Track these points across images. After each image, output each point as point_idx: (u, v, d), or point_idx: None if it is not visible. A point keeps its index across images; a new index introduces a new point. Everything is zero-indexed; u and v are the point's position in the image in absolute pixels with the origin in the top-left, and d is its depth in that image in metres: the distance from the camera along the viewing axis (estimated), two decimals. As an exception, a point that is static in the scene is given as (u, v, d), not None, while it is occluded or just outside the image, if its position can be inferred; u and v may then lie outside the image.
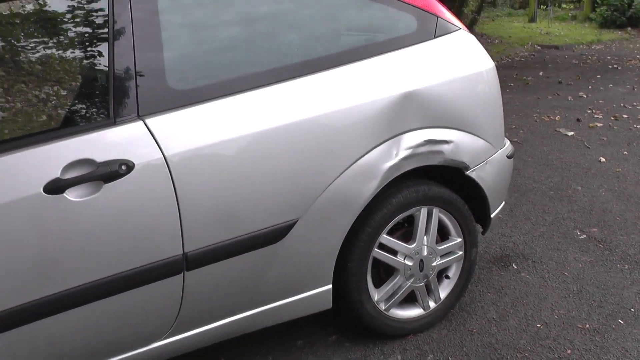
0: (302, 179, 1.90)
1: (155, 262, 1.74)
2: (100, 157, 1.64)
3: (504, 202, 2.60)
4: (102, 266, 1.68)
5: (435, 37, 2.17)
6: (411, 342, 2.36)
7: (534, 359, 2.22)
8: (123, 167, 1.65)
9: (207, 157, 1.75)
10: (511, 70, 9.83)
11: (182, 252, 1.77)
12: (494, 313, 2.54)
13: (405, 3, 2.12)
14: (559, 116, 6.20)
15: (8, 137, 1.72)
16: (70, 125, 1.74)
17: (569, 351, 2.26)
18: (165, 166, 1.70)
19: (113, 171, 1.64)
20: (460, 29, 2.27)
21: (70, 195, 1.60)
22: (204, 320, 1.95)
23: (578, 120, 5.96)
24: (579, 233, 3.30)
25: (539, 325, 2.43)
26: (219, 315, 1.97)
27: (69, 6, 1.79)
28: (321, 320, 2.52)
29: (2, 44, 1.80)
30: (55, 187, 1.59)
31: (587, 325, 2.42)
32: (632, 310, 2.52)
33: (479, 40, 2.40)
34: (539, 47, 13.13)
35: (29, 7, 1.78)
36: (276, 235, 1.91)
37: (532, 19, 19.64)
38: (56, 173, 1.59)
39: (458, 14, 15.56)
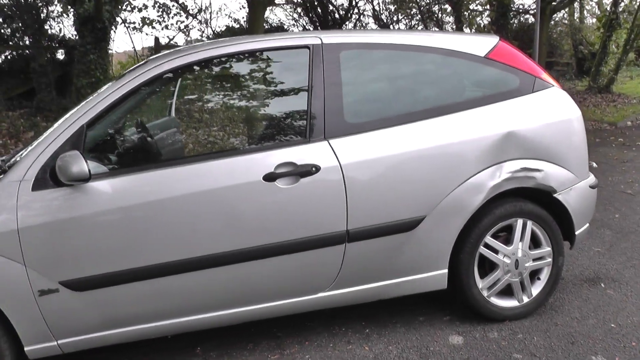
0: (430, 187, 2.75)
1: (327, 233, 2.66)
2: (299, 161, 2.60)
3: (588, 224, 3.24)
4: (292, 231, 2.62)
5: (533, 92, 2.95)
6: (506, 325, 3.05)
7: (603, 345, 2.83)
8: (314, 169, 2.59)
9: (366, 166, 2.66)
10: (643, 131, 10.02)
11: (345, 229, 2.66)
12: (577, 314, 3.16)
13: (511, 67, 2.94)
14: (679, 174, 6.50)
15: (247, 147, 2.74)
16: (282, 141, 2.73)
17: (634, 343, 2.84)
18: (340, 170, 2.63)
19: (307, 170, 2.59)
20: (554, 86, 3.03)
21: (279, 183, 2.58)
22: (354, 282, 2.82)
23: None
24: (668, 267, 3.79)
25: (612, 325, 3.03)
26: (365, 280, 2.83)
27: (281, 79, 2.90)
28: (438, 305, 3.30)
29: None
30: (270, 177, 2.58)
31: (655, 329, 2.97)
32: (700, 323, 3.03)
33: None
34: (680, 109, 12.90)
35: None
36: (410, 225, 2.76)
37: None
38: (271, 169, 2.58)
39: (596, 73, 15.61)
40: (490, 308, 3.04)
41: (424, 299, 3.34)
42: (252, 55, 2.84)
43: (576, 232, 3.14)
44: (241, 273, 2.63)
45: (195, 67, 2.82)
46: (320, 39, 2.78)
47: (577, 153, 3.06)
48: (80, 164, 2.37)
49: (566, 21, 21.63)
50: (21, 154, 2.71)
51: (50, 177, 2.48)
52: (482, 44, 2.98)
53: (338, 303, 2.88)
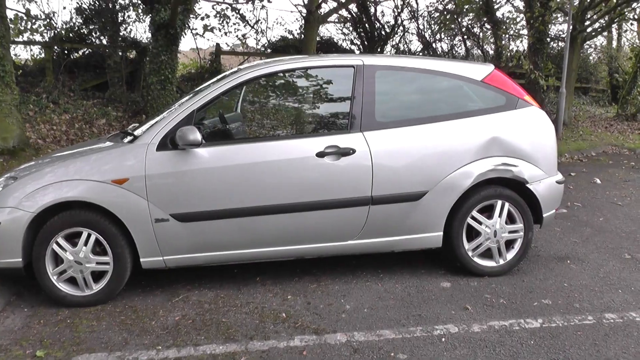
0: (432, 171, 3.86)
1: (357, 197, 3.79)
2: (341, 145, 3.75)
3: (554, 210, 4.29)
4: (333, 193, 3.75)
5: (515, 109, 4.03)
6: (484, 279, 4.13)
7: (552, 294, 3.88)
8: (351, 151, 3.74)
9: (389, 152, 3.79)
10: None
11: (370, 195, 3.78)
12: (541, 276, 4.21)
13: (500, 89, 4.03)
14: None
15: (305, 133, 3.91)
16: (330, 130, 3.89)
17: (576, 295, 3.87)
18: (369, 153, 3.76)
19: (347, 152, 3.74)
20: (533, 105, 4.10)
21: (326, 159, 3.73)
22: (374, 235, 3.93)
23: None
24: (626, 255, 4.77)
25: (565, 284, 4.07)
26: (382, 234, 3.94)
27: (332, 88, 4.02)
28: (437, 265, 4.39)
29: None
30: (320, 154, 3.73)
31: (596, 289, 3.99)
32: (633, 288, 4.03)
33: None
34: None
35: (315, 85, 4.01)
36: (416, 197, 3.87)
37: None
38: (321, 148, 3.73)
39: (624, 101, 16.49)
40: (474, 265, 4.11)
41: (427, 260, 4.45)
42: (314, 69, 4.01)
43: (544, 215, 4.19)
44: (295, 220, 3.77)
45: (271, 77, 4.00)
46: (362, 61, 3.93)
47: (547, 156, 4.12)
48: (196, 134, 3.56)
49: (603, 49, 22.33)
50: (143, 127, 3.92)
51: (169, 142, 3.66)
52: (480, 71, 4.08)
53: (362, 250, 3.99)
